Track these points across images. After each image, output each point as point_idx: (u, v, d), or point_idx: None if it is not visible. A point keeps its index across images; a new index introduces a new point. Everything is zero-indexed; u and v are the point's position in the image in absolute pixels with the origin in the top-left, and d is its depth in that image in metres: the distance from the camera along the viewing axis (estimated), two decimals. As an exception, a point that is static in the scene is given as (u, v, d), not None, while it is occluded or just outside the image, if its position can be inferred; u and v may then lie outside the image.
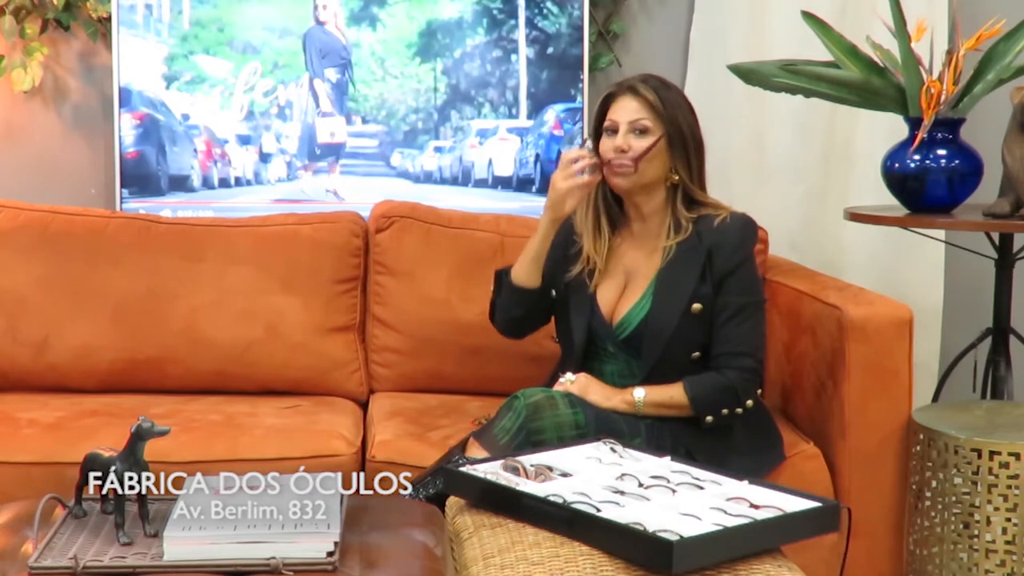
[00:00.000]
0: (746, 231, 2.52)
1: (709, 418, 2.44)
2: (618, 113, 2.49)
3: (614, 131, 2.49)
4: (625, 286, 2.55)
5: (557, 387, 2.45)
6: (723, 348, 2.47)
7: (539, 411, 2.35)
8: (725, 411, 2.45)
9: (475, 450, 2.35)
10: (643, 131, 2.47)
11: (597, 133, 2.53)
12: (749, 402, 2.48)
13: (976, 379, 3.06)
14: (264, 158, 3.38)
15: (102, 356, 2.98)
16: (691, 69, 3.52)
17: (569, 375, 2.47)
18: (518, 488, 2.02)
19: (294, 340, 3.00)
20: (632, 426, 2.43)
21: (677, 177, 2.49)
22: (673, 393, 2.45)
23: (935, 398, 3.20)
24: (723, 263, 2.47)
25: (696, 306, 2.46)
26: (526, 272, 2.56)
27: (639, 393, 2.43)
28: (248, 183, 3.38)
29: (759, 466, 2.47)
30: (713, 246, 2.47)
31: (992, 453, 2.51)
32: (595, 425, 2.35)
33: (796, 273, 3.08)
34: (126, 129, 3.30)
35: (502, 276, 2.63)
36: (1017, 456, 2.50)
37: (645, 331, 2.48)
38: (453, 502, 2.14)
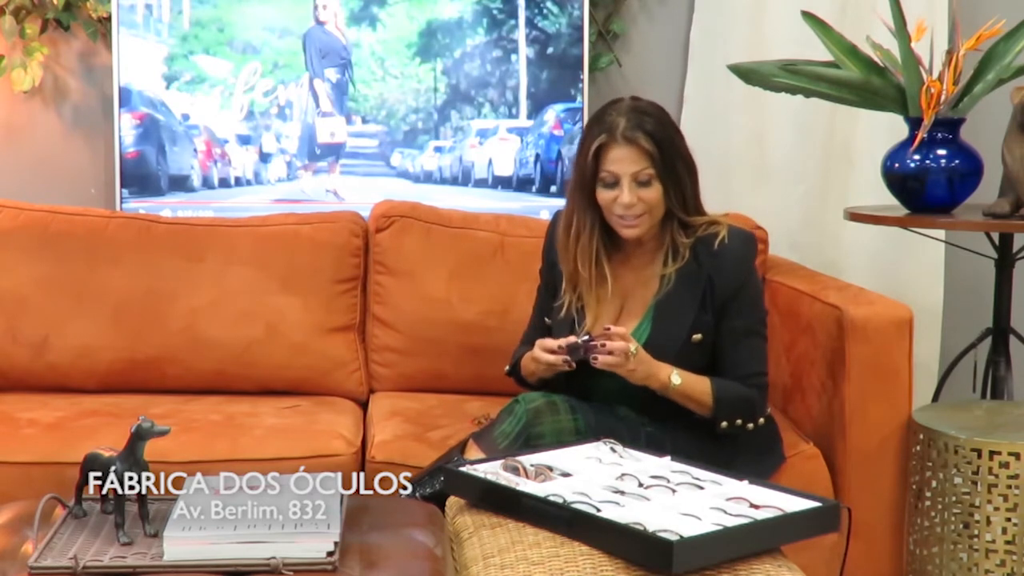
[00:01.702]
0: (747, 249, 2.45)
1: (724, 423, 2.40)
2: (617, 165, 2.37)
3: (613, 183, 2.38)
4: (620, 310, 2.49)
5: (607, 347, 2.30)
6: (738, 371, 2.43)
7: (539, 416, 2.34)
8: (739, 421, 2.41)
9: (474, 452, 2.34)
10: (647, 181, 2.38)
11: (591, 180, 2.40)
12: (762, 420, 2.46)
13: (976, 379, 3.05)
14: (264, 158, 3.38)
15: (102, 356, 2.98)
16: (691, 69, 3.52)
17: (632, 346, 2.32)
18: (518, 488, 2.02)
19: (294, 340, 3.00)
20: (633, 433, 2.40)
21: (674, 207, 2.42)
22: (702, 388, 2.39)
23: (935, 398, 3.20)
24: (724, 288, 2.41)
25: (696, 336, 2.42)
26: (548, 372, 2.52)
27: (676, 380, 2.36)
28: (248, 183, 3.38)
29: (760, 471, 2.45)
30: (713, 271, 2.41)
31: (992, 453, 2.51)
32: (595, 431, 2.34)
33: (796, 273, 3.08)
34: (126, 129, 3.30)
35: (516, 372, 2.60)
36: (1017, 456, 2.50)
37: None
38: (453, 502, 2.14)
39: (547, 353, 2.38)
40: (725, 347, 2.44)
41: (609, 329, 2.33)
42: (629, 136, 2.36)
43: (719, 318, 2.43)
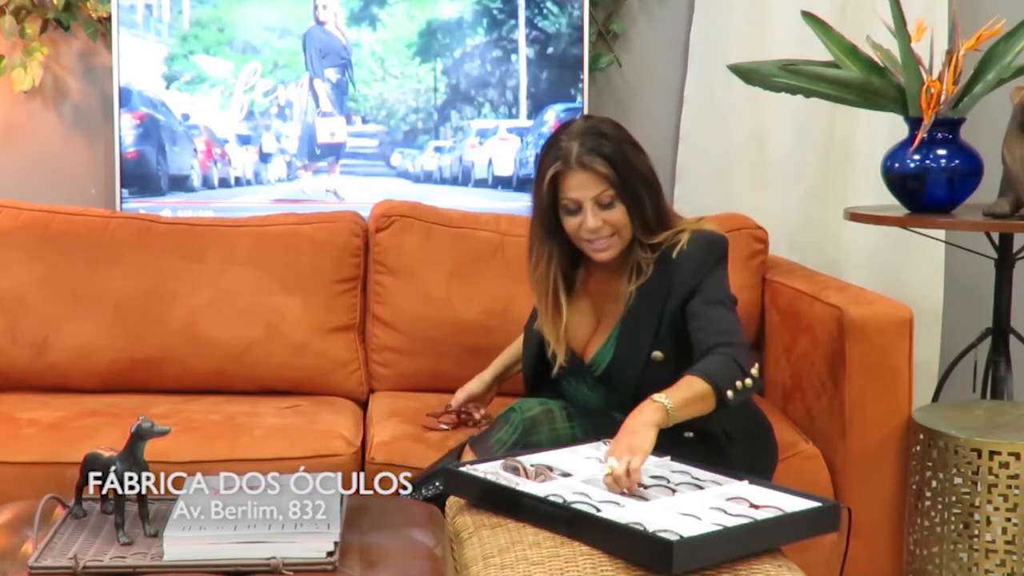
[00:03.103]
0: (707, 251, 2.36)
1: (730, 393, 2.18)
2: (575, 191, 2.31)
3: (576, 209, 2.32)
4: (597, 323, 2.46)
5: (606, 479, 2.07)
6: (703, 344, 2.27)
7: (536, 425, 2.34)
8: (739, 383, 2.20)
9: (470, 458, 2.34)
10: (609, 203, 2.31)
11: (548, 209, 2.36)
12: (754, 370, 2.24)
13: (976, 379, 3.06)
14: (264, 158, 3.38)
15: (102, 356, 2.98)
16: (691, 69, 3.52)
17: (611, 462, 2.05)
18: (518, 488, 2.02)
19: (294, 340, 3.00)
20: None
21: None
22: (689, 385, 2.17)
23: (935, 398, 3.20)
24: (682, 288, 2.32)
25: (656, 354, 2.35)
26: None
27: (666, 402, 2.13)
28: (248, 183, 3.38)
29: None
30: (671, 281, 2.34)
31: (992, 453, 2.51)
32: (593, 439, 2.33)
33: (796, 273, 3.08)
34: (126, 129, 3.30)
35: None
36: (1017, 456, 2.50)
37: (614, 375, 2.39)
38: (453, 502, 2.14)
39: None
40: (692, 325, 2.31)
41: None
42: (584, 161, 2.30)
43: (681, 313, 2.33)
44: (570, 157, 2.31)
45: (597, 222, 2.32)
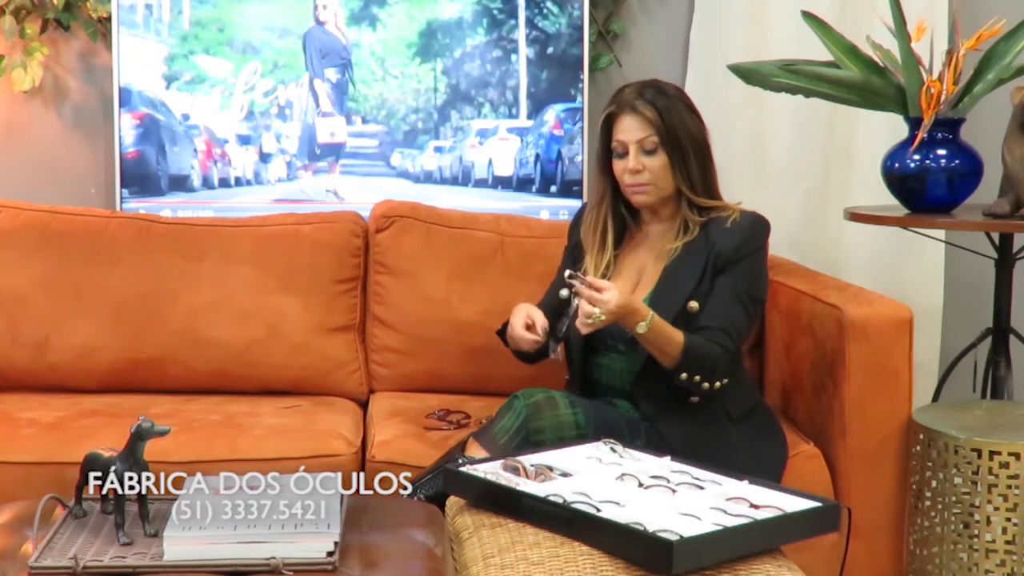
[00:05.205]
0: (753, 228, 2.51)
1: (684, 375, 2.38)
2: (623, 133, 2.50)
3: (624, 153, 2.50)
4: (637, 284, 2.55)
5: (583, 321, 2.32)
6: (707, 322, 2.44)
7: (539, 411, 2.35)
8: (698, 378, 2.39)
9: (475, 450, 2.36)
10: (652, 149, 2.48)
11: (606, 155, 2.54)
12: (718, 384, 2.42)
13: (976, 379, 3.06)
14: (264, 158, 3.38)
15: (102, 356, 2.98)
16: (691, 69, 3.52)
17: (597, 310, 2.31)
18: (518, 488, 2.02)
19: (294, 340, 3.01)
20: (632, 429, 2.42)
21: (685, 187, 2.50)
22: (673, 334, 2.38)
23: (935, 398, 3.20)
24: (725, 257, 2.46)
25: (692, 304, 2.45)
26: (522, 345, 2.57)
27: (650, 319, 2.34)
28: (248, 183, 3.38)
29: (762, 468, 2.44)
30: (719, 245, 2.47)
31: (992, 453, 2.51)
32: (595, 426, 2.35)
33: (796, 273, 3.08)
34: (126, 129, 3.30)
35: (503, 334, 2.63)
36: (1017, 456, 2.50)
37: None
38: (453, 502, 2.14)
39: (524, 331, 2.44)
40: (710, 299, 2.46)
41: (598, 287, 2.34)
42: (635, 106, 2.49)
43: (717, 274, 2.47)
44: (624, 102, 2.51)
45: (637, 164, 2.49)
